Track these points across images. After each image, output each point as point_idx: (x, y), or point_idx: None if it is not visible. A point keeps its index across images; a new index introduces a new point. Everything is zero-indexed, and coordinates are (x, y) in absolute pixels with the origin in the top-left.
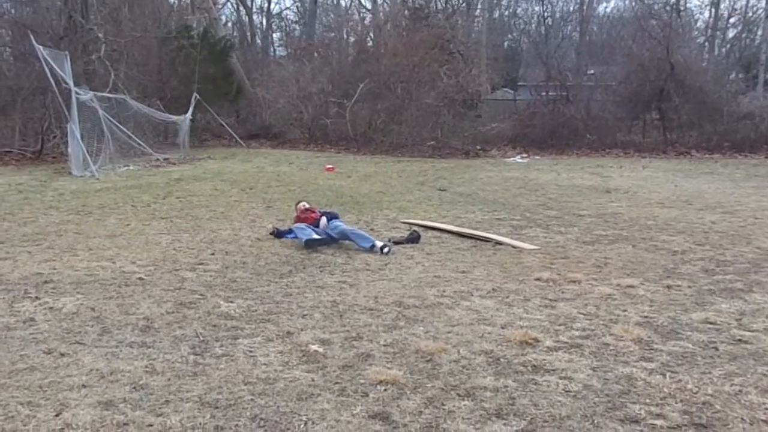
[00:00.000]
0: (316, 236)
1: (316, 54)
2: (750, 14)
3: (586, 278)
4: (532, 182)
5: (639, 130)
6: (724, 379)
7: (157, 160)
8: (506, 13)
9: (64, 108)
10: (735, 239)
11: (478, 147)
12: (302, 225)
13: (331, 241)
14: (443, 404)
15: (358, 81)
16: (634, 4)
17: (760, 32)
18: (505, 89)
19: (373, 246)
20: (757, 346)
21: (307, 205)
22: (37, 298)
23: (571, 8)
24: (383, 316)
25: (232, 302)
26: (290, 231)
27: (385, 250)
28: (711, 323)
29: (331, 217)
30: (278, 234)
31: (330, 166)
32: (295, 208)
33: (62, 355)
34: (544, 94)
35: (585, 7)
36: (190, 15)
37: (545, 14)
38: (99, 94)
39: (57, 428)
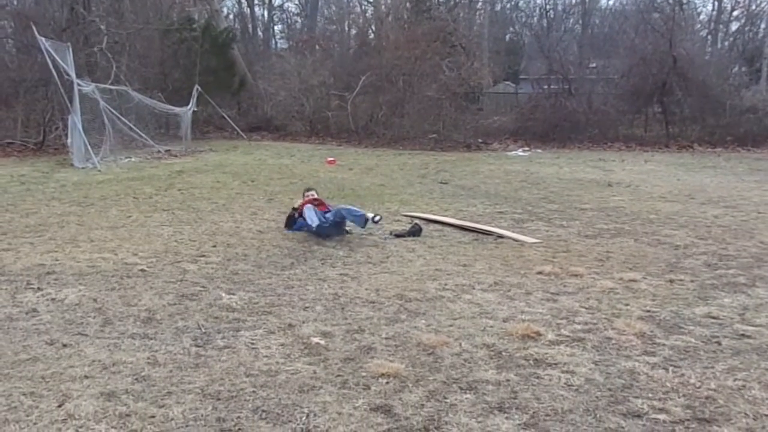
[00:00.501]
0: (325, 223)
1: (317, 46)
2: (753, 7)
3: (588, 272)
4: (534, 176)
5: (641, 123)
6: (727, 374)
7: (159, 152)
8: (508, 5)
9: (66, 100)
10: (738, 234)
11: (480, 140)
12: (312, 207)
13: (336, 231)
14: (445, 397)
15: (360, 74)
16: None
17: (763, 25)
18: (507, 82)
19: (367, 220)
20: (760, 341)
21: (316, 195)
22: (39, 289)
23: (573, 1)
24: (385, 309)
25: (233, 294)
26: (300, 215)
27: (377, 218)
28: (714, 318)
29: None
30: (290, 223)
31: (331, 158)
32: (303, 195)
33: (64, 346)
34: (545, 87)
35: (587, 0)
36: (191, 7)
37: (547, 7)
38: (101, 85)
39: (60, 419)
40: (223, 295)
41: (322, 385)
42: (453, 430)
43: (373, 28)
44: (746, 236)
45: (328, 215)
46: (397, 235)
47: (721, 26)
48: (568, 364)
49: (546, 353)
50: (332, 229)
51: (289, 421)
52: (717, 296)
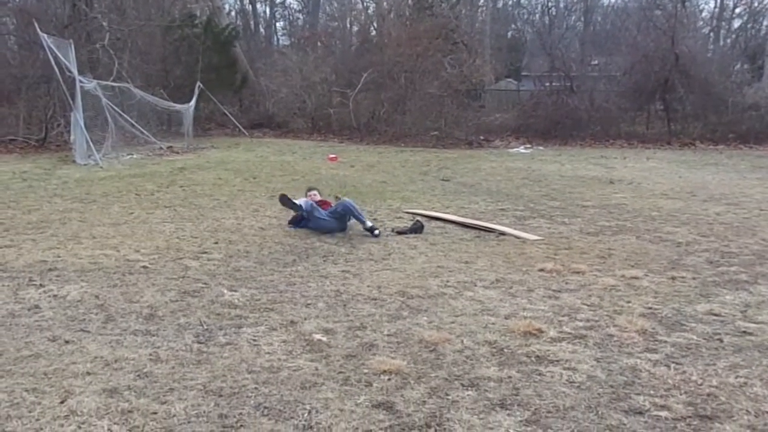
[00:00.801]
0: (325, 220)
1: (319, 43)
2: (756, 4)
3: (589, 269)
4: (536, 173)
5: (643, 121)
6: (729, 371)
7: (161, 148)
8: (510, 2)
9: (68, 96)
10: (740, 231)
11: (482, 137)
12: (309, 201)
13: (339, 226)
14: (447, 394)
15: (362, 71)
16: None
17: (765, 22)
18: (509, 79)
19: (365, 225)
20: (762, 338)
21: (319, 197)
22: (41, 285)
23: None
24: (387, 305)
25: (235, 291)
26: (302, 210)
27: (376, 232)
28: (716, 315)
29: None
30: (295, 221)
31: (333, 155)
32: (305, 195)
33: (67, 342)
34: (547, 84)
35: None
36: (193, 4)
37: (549, 4)
38: (103, 82)
39: (62, 415)
40: (225, 291)
41: (324, 381)
42: (455, 427)
43: (375, 25)
44: (748, 233)
45: (330, 210)
46: (399, 232)
47: (723, 23)
48: (569, 361)
49: (548, 350)
50: (333, 223)
51: (291, 418)
52: (719, 293)
